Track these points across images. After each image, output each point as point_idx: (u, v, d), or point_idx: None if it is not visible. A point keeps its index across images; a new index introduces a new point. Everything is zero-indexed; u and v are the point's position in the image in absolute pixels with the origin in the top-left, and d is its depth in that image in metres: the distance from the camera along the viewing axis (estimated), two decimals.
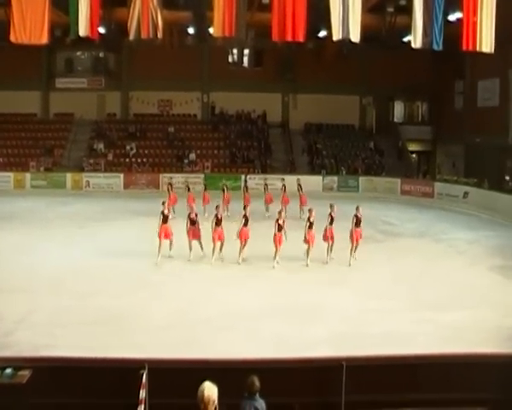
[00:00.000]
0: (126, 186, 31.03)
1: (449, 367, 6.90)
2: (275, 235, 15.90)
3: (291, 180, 30.91)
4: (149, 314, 11.53)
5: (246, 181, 27.21)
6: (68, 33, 25.85)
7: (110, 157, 33.24)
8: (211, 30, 22.31)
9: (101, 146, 33.83)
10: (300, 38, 15.52)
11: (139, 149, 33.98)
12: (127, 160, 33.22)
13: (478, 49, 15.38)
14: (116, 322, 10.97)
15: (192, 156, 33.55)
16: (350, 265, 16.05)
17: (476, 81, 31.89)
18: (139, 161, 33.05)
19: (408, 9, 18.85)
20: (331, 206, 16.87)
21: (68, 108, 35.47)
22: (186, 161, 33.38)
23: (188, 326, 10.95)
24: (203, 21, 24.82)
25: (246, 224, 16.34)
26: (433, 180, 31.09)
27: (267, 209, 24.13)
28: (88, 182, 31.12)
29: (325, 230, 16.44)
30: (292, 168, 33.23)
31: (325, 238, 16.41)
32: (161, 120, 36.25)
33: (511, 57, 24.12)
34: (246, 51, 37.57)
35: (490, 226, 22.74)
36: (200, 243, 16.29)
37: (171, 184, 24.35)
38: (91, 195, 29.57)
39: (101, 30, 24.29)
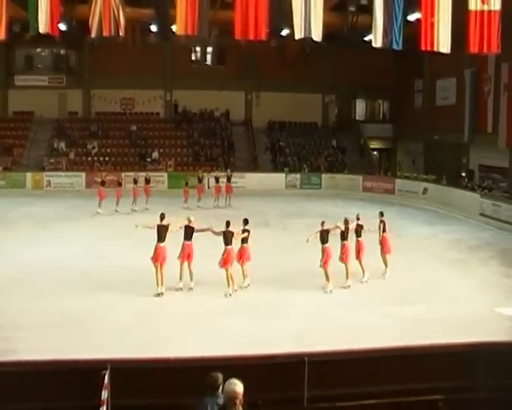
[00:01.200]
0: (88, 185, 30.52)
1: (407, 359, 7.10)
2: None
3: (252, 177, 31.20)
4: (112, 315, 11.46)
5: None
6: (27, 29, 25.44)
7: (72, 156, 32.75)
8: (174, 28, 22.20)
9: (62, 145, 33.29)
10: (262, 36, 15.54)
11: (101, 148, 33.58)
12: (89, 159, 32.79)
13: (435, 49, 15.68)
14: (78, 324, 10.85)
15: (155, 155, 33.34)
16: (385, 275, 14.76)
17: (435, 80, 32.64)
18: (101, 159, 32.64)
19: (369, 9, 19.10)
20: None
21: (28, 107, 34.72)
22: (149, 159, 33.15)
23: (151, 326, 10.94)
24: (166, 19, 24.48)
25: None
26: (393, 177, 31.69)
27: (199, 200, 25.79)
28: (49, 181, 30.60)
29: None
30: (255, 166, 33.37)
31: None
32: (124, 119, 35.87)
33: (467, 57, 24.72)
34: (209, 49, 37.47)
35: (447, 221, 23.43)
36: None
37: (135, 180, 25.64)
38: (52, 194, 29.06)
39: (62, 27, 23.89)
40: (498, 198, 23.81)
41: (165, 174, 31.40)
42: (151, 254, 12.95)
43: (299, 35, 15.77)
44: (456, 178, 28.49)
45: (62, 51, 35.68)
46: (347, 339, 9.73)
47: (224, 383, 5.39)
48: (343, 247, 14.20)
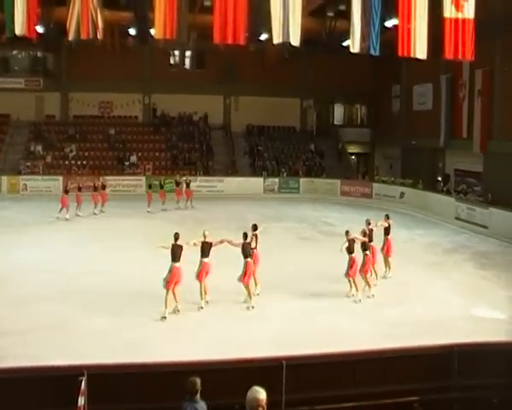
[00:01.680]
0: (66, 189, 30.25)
1: (384, 361, 7.20)
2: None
3: (231, 181, 31.25)
4: (88, 320, 11.34)
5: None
6: (3, 31, 25.12)
7: (49, 159, 32.39)
8: (152, 31, 22.15)
9: (39, 148, 32.91)
10: (241, 41, 15.59)
11: (79, 152, 33.28)
12: (66, 162, 32.46)
13: (412, 55, 15.90)
14: (53, 329, 10.75)
15: (133, 159, 33.15)
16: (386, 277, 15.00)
17: (411, 86, 33.04)
18: (79, 163, 32.35)
19: (347, 14, 19.29)
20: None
21: (4, 109, 34.19)
22: (127, 163, 32.96)
23: (128, 330, 10.87)
24: (145, 22, 24.59)
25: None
26: (371, 181, 31.96)
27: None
28: (25, 185, 30.22)
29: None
30: (233, 170, 33.39)
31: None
32: (102, 122, 35.61)
33: (443, 64, 25.12)
34: (187, 53, 37.40)
35: (423, 225, 23.75)
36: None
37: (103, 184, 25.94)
38: (29, 198, 28.69)
39: (40, 29, 23.63)
40: (473, 202, 24.22)
41: (144, 178, 31.23)
42: (164, 274, 12.11)
43: (277, 40, 15.85)
44: (432, 183, 28.88)
45: (39, 54, 35.23)
46: (325, 343, 9.78)
47: (200, 388, 5.41)
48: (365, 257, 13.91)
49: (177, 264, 12.23)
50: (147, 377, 6.12)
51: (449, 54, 15.40)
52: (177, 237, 12.58)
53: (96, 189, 25.20)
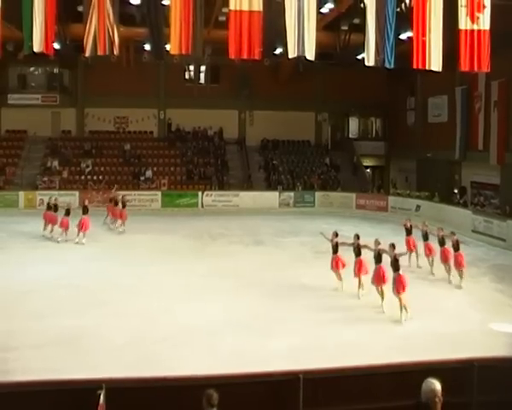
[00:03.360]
0: (82, 204, 30.48)
1: (402, 375, 7.10)
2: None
3: (246, 196, 31.22)
4: (105, 334, 11.38)
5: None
6: (21, 48, 25.52)
7: (65, 175, 32.71)
8: (167, 47, 22.37)
9: (55, 163, 33.26)
10: (256, 55, 15.70)
11: (95, 167, 33.58)
12: (82, 177, 32.76)
13: (427, 67, 15.89)
14: (71, 343, 10.78)
15: (148, 174, 33.35)
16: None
17: (426, 98, 32.95)
18: (95, 178, 32.61)
19: (362, 27, 19.34)
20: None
21: (21, 125, 34.74)
22: (142, 178, 33.16)
23: (145, 345, 10.86)
24: (160, 38, 24.68)
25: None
26: (386, 194, 31.80)
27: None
28: (42, 200, 30.38)
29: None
30: (248, 185, 33.44)
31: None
32: (117, 137, 35.92)
33: (458, 75, 25.05)
34: (202, 68, 37.69)
35: None
36: None
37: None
38: None
39: (56, 45, 24.02)
40: (490, 215, 23.95)
41: (159, 193, 31.40)
42: None
43: (292, 54, 15.92)
44: (448, 195, 28.66)
45: (56, 70, 35.75)
46: (341, 357, 9.70)
47: (217, 400, 5.39)
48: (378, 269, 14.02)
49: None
50: (165, 390, 6.10)
51: (464, 66, 15.36)
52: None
53: (115, 203, 24.24)
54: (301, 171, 34.94)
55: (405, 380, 6.87)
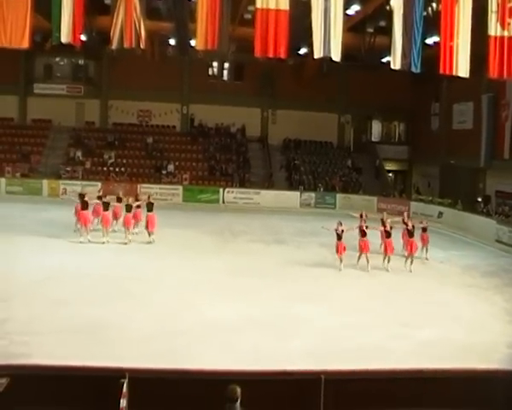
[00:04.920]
0: (104, 195, 30.71)
1: (425, 382, 7.02)
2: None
3: (267, 194, 31.17)
4: (127, 324, 11.44)
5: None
6: (48, 39, 25.78)
7: (88, 165, 33.02)
8: (192, 42, 22.42)
9: (78, 154, 33.59)
10: (282, 54, 15.66)
11: (117, 159, 33.83)
12: (105, 168, 33.03)
13: (454, 73, 15.72)
14: (93, 331, 10.86)
15: (170, 168, 33.51)
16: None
17: (451, 104, 32.62)
18: (117, 170, 32.87)
19: (387, 30, 19.21)
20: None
21: (46, 115, 35.19)
22: (164, 172, 33.33)
23: (166, 337, 10.89)
24: (185, 33, 24.92)
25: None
26: (408, 199, 31.54)
27: None
28: (65, 189, 30.79)
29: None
30: (270, 183, 33.41)
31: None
32: (140, 131, 36.17)
33: (484, 82, 24.75)
34: (226, 65, 37.78)
35: (462, 246, 23.21)
36: None
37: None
38: (68, 202, 29.18)
39: (83, 37, 24.20)
40: None
41: (181, 187, 31.52)
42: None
43: (318, 54, 15.86)
44: (471, 203, 28.28)
45: (81, 61, 36.17)
46: (361, 359, 9.63)
47: (240, 397, 5.37)
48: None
49: None
50: (186, 383, 6.10)
51: (493, 72, 15.17)
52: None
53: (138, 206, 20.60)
54: (323, 172, 34.85)
55: (429, 387, 6.81)
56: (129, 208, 19.78)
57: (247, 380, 6.26)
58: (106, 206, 19.92)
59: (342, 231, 17.76)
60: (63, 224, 22.64)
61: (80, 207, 19.76)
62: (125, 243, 19.19)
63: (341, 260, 17.61)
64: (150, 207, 19.98)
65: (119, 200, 21.03)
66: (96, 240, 19.27)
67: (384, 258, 17.81)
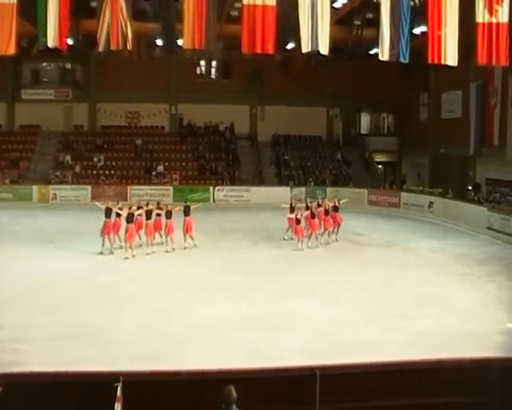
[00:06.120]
0: (94, 198, 30.55)
1: (419, 373, 7.02)
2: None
3: (258, 191, 31.18)
4: (119, 328, 11.41)
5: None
6: (35, 44, 25.59)
7: (77, 169, 32.83)
8: (179, 42, 22.33)
9: (68, 158, 33.39)
10: (270, 50, 15.62)
11: (107, 162, 33.66)
12: (95, 172, 32.85)
13: (443, 62, 15.72)
14: (85, 336, 10.81)
15: (160, 168, 33.39)
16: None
17: (440, 93, 32.66)
18: (107, 173, 32.71)
19: (374, 22, 19.20)
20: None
21: (34, 120, 34.94)
22: (154, 173, 33.20)
23: (159, 339, 10.87)
24: (172, 33, 24.80)
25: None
26: (399, 190, 31.59)
27: None
28: (55, 194, 30.65)
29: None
30: (260, 180, 33.37)
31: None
32: (129, 132, 35.98)
33: (473, 70, 24.80)
34: (213, 63, 37.66)
35: (454, 235, 23.30)
36: None
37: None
38: (58, 207, 29.10)
39: (69, 41, 24.05)
40: (507, 212, 23.55)
41: (171, 188, 31.42)
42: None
43: (306, 48, 15.83)
44: (462, 192, 28.37)
45: (68, 65, 35.96)
46: (355, 353, 9.64)
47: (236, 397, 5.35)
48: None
49: None
50: (181, 384, 6.08)
51: (482, 59, 15.18)
52: None
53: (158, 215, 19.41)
54: (313, 166, 34.81)
55: (424, 378, 6.81)
56: (169, 215, 19.12)
57: (241, 379, 6.24)
58: (148, 215, 18.85)
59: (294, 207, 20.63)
60: (54, 229, 22.56)
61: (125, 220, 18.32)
62: (167, 251, 18.73)
63: (302, 241, 19.49)
64: (187, 210, 19.63)
65: (159, 208, 19.74)
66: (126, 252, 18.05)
67: (324, 233, 20.57)
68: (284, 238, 20.91)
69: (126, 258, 17.60)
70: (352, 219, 26.81)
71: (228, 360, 9.27)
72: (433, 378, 7.03)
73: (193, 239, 19.40)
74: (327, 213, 20.63)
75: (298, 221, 19.77)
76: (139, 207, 19.53)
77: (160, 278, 15.50)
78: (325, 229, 20.66)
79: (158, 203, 20.33)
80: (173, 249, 18.81)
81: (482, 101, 27.85)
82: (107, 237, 18.49)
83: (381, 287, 14.96)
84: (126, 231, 17.94)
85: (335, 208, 21.29)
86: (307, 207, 20.65)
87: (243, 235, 22.23)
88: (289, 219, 20.70)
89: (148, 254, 18.28)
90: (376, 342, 10.76)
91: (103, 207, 18.97)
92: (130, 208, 18.90)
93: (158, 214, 19.30)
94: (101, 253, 18.21)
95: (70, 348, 10.09)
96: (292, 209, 20.89)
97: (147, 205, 19.59)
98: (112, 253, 18.23)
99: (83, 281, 14.73)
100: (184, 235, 19.25)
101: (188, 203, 20.19)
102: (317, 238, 20.10)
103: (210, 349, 10.28)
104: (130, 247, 17.88)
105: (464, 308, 13.31)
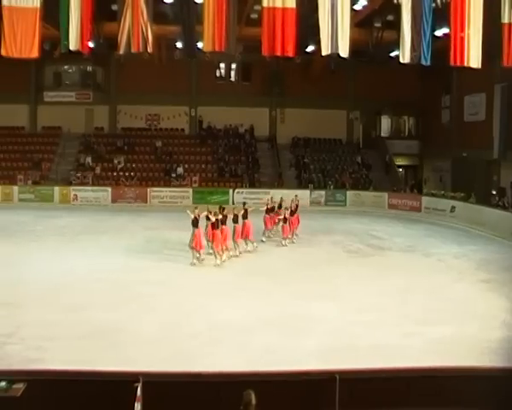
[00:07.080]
0: (114, 200, 30.89)
1: (439, 380, 6.93)
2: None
3: (277, 194, 31.04)
4: (140, 328, 11.45)
5: None
6: (57, 47, 25.89)
7: (98, 171, 33.13)
8: (199, 44, 22.41)
9: (88, 160, 33.73)
10: (290, 52, 15.62)
11: (127, 163, 33.91)
12: (115, 173, 33.12)
13: (466, 64, 15.54)
14: (106, 336, 10.88)
15: (180, 170, 33.53)
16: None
17: (463, 96, 32.23)
18: (127, 174, 32.95)
19: (395, 25, 19.08)
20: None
21: (56, 122, 35.40)
22: (174, 175, 33.35)
23: (178, 340, 10.88)
24: (192, 36, 24.89)
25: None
26: (420, 194, 31.27)
27: None
28: (76, 195, 30.98)
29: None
30: (280, 182, 33.32)
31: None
32: (149, 134, 36.23)
33: (497, 72, 24.39)
34: (233, 66, 37.72)
35: (477, 241, 22.84)
36: None
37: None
38: (79, 208, 29.42)
39: (91, 44, 24.26)
40: None
41: (190, 190, 31.54)
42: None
43: (326, 51, 15.79)
44: (485, 197, 27.77)
45: (89, 68, 36.26)
46: (375, 358, 9.54)
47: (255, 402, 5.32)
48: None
49: None
50: (200, 386, 6.09)
51: (508, 61, 14.97)
52: None
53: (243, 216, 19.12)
54: (332, 169, 34.65)
55: (445, 386, 6.72)
56: (236, 219, 18.72)
57: (260, 381, 6.23)
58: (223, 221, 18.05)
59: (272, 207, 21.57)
60: (76, 229, 22.80)
61: (211, 226, 17.57)
62: (237, 256, 18.46)
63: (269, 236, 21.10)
64: (246, 214, 19.27)
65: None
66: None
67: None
68: (262, 240, 20.79)
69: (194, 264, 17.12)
70: (372, 223, 26.73)
71: (247, 362, 9.27)
72: (453, 386, 6.93)
73: (253, 243, 19.53)
74: (292, 213, 21.39)
75: (285, 220, 20.71)
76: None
77: (179, 278, 15.53)
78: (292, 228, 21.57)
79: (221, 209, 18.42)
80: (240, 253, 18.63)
81: (507, 103, 27.37)
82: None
83: (402, 292, 14.77)
84: (214, 238, 17.28)
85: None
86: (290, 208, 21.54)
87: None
88: (268, 219, 21.32)
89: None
90: (396, 347, 10.63)
91: (192, 216, 17.67)
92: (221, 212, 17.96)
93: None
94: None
95: (91, 347, 10.15)
96: (270, 210, 21.51)
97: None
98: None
99: (104, 281, 14.82)
100: (245, 239, 19.12)
101: (246, 206, 19.65)
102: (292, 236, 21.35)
103: (229, 352, 10.26)
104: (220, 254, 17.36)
105: (486, 315, 13.02)
